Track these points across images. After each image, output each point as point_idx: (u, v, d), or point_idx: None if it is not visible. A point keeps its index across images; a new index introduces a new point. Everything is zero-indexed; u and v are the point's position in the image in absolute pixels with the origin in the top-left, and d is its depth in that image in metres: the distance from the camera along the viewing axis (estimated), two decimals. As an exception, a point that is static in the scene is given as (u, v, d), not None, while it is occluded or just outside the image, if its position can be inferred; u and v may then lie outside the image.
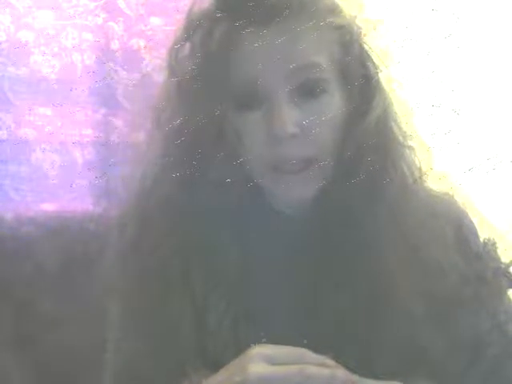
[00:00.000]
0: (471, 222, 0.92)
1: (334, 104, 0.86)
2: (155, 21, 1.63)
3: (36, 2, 1.57)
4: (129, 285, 0.90)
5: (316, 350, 0.77)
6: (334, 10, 0.88)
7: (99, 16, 1.60)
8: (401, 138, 0.89)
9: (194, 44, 0.88)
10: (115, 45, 1.62)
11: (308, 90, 0.85)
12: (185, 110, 0.87)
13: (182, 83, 0.88)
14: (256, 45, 0.83)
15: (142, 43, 1.63)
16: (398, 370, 0.81)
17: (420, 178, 0.88)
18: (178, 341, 0.86)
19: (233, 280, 0.86)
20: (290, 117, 0.83)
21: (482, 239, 0.91)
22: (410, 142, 0.89)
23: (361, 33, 0.88)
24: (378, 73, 0.89)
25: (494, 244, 0.90)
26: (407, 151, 0.89)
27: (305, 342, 0.78)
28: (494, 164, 0.97)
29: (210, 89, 0.85)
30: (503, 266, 0.90)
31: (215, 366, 0.81)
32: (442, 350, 0.82)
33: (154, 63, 1.62)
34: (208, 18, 0.87)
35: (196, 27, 0.88)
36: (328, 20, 0.86)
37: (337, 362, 0.77)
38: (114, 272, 0.91)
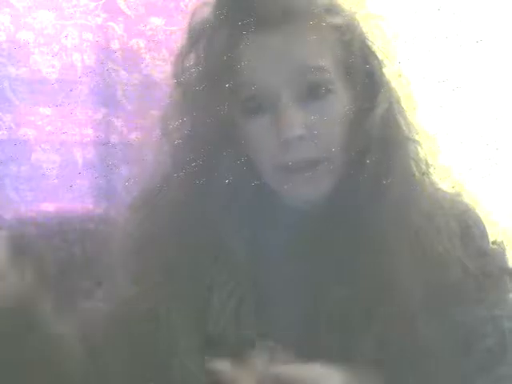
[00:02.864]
0: (479, 218, 0.92)
1: (339, 103, 0.86)
2: (155, 21, 1.63)
3: (36, 2, 1.57)
4: (131, 268, 0.91)
5: (317, 339, 0.79)
6: (333, 10, 0.88)
7: (99, 16, 1.60)
8: (407, 131, 0.89)
9: (197, 54, 0.89)
10: (115, 45, 1.62)
11: (313, 92, 0.86)
12: (192, 118, 0.88)
13: (188, 92, 0.89)
14: (257, 50, 0.84)
15: (141, 43, 1.63)
16: (392, 358, 0.82)
17: (427, 171, 0.89)
18: (178, 320, 0.87)
19: (242, 266, 0.88)
20: (297, 119, 0.84)
21: (489, 238, 0.91)
22: (416, 136, 0.90)
23: (362, 29, 0.89)
24: (381, 68, 0.89)
25: (502, 246, 0.91)
26: (414, 145, 0.90)
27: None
28: (495, 164, 0.97)
29: (216, 96, 0.86)
30: (509, 267, 0.90)
31: (211, 346, 0.83)
32: (436, 339, 0.83)
33: (154, 63, 1.62)
34: (209, 27, 0.88)
35: (198, 37, 0.89)
36: (327, 21, 0.87)
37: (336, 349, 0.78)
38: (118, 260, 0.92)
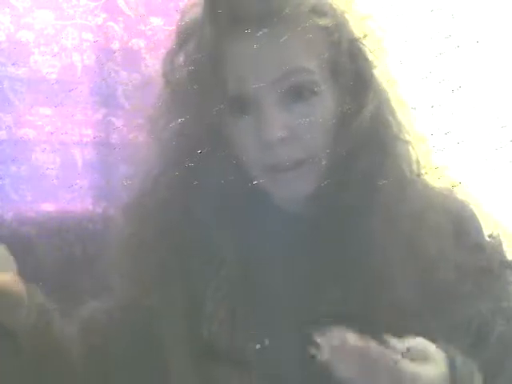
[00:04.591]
0: (473, 214, 0.92)
1: (324, 105, 0.86)
2: (155, 21, 1.63)
3: (36, 2, 1.57)
4: (125, 272, 0.92)
5: (311, 341, 0.79)
6: (320, 10, 0.88)
7: (99, 16, 1.60)
8: (398, 132, 0.89)
9: (187, 53, 0.89)
10: (115, 45, 1.62)
11: (297, 94, 0.86)
12: (180, 118, 0.88)
13: (177, 91, 0.89)
14: (243, 52, 0.84)
15: (141, 43, 1.63)
16: None
17: (418, 172, 0.89)
18: (170, 327, 0.87)
19: (234, 269, 0.88)
20: (278, 121, 0.84)
21: (486, 233, 0.91)
22: (407, 136, 0.90)
23: (351, 30, 0.89)
24: (370, 68, 0.89)
25: (498, 238, 0.91)
26: (405, 145, 0.89)
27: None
28: (494, 164, 0.97)
29: (204, 96, 0.86)
30: (508, 260, 0.90)
31: (207, 353, 0.84)
32: (438, 336, 0.83)
33: (154, 63, 1.62)
34: (198, 28, 0.88)
35: (187, 37, 0.89)
36: (314, 21, 0.86)
37: None
38: (113, 266, 0.93)
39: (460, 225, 0.90)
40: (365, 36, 0.89)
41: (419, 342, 0.76)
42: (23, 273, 1.51)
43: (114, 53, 1.61)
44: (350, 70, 0.87)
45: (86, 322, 0.94)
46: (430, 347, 0.77)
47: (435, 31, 1.07)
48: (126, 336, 0.90)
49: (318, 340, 0.71)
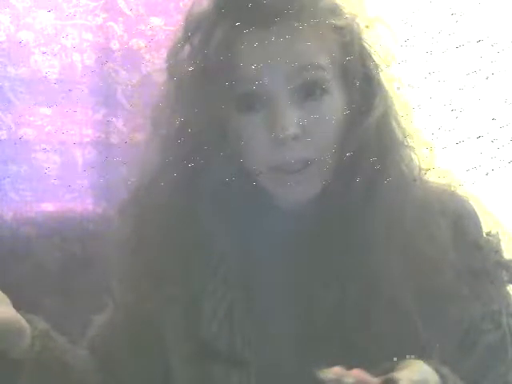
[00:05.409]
0: (473, 213, 0.91)
1: (334, 104, 0.86)
2: (155, 21, 1.63)
3: (36, 2, 1.57)
4: (124, 274, 0.92)
5: (310, 341, 0.79)
6: (334, 11, 0.88)
7: (99, 16, 1.60)
8: (401, 136, 0.89)
9: (193, 46, 0.88)
10: (115, 45, 1.62)
11: (309, 91, 0.85)
12: (184, 112, 0.87)
13: (181, 85, 0.88)
14: (256, 46, 0.83)
15: (142, 43, 1.63)
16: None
17: (419, 176, 0.89)
18: (167, 328, 0.88)
19: (233, 269, 0.88)
20: (292, 118, 0.83)
21: (485, 231, 0.91)
22: (409, 141, 0.90)
23: (361, 32, 0.88)
24: (378, 72, 0.89)
25: (497, 237, 0.90)
26: (407, 150, 0.89)
27: None
28: (495, 163, 0.97)
29: (210, 91, 0.85)
30: (505, 260, 0.90)
31: (206, 353, 0.84)
32: (434, 338, 0.82)
33: (154, 63, 1.62)
34: (207, 20, 0.87)
35: (195, 29, 0.88)
36: (328, 21, 0.86)
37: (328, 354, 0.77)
38: (112, 266, 0.93)
39: (459, 223, 0.89)
40: (373, 40, 0.88)
41: (419, 372, 0.75)
42: (23, 273, 1.51)
43: (114, 53, 1.61)
44: (359, 72, 0.87)
45: (94, 340, 0.94)
46: (427, 374, 0.76)
47: (436, 30, 1.06)
48: (128, 340, 0.90)
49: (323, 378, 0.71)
